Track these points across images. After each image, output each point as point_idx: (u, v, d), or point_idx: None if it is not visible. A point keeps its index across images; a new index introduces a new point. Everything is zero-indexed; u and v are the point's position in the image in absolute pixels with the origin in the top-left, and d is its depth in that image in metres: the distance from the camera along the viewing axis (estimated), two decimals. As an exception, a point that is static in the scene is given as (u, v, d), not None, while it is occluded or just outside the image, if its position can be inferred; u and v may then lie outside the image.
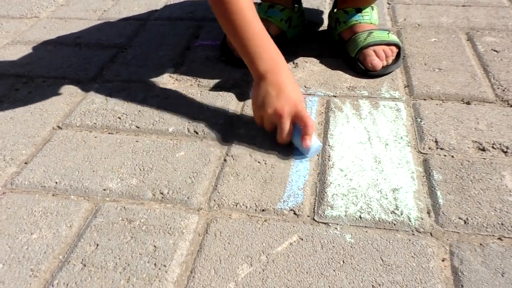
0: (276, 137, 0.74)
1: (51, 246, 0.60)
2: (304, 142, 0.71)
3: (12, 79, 1.00)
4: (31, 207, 0.66)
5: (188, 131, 0.80)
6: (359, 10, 0.98)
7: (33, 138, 0.81)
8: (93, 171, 0.72)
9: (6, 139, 0.81)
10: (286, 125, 0.72)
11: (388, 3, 1.27)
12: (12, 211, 0.65)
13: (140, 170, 0.72)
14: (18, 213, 0.65)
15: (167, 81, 0.96)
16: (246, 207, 0.65)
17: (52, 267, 0.57)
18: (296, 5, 1.07)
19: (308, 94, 0.89)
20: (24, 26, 1.26)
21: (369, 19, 0.98)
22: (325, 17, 1.19)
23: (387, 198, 0.65)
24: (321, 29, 1.15)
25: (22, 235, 0.62)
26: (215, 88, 0.92)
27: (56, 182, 0.70)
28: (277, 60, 0.76)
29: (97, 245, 0.60)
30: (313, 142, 0.72)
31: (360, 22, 0.98)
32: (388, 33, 0.96)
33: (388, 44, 0.94)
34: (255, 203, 0.65)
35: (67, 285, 0.54)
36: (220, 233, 0.61)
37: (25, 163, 0.75)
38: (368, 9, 0.99)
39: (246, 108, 0.85)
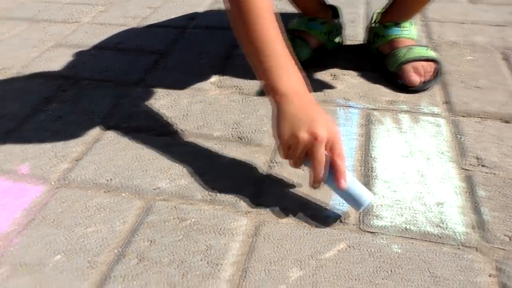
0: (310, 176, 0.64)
1: (106, 240, 0.62)
2: (338, 184, 0.61)
3: (59, 80, 1.03)
4: (85, 202, 0.69)
5: (233, 136, 0.82)
6: (398, 25, 1.00)
7: (82, 137, 0.83)
8: (143, 170, 0.74)
9: (56, 137, 0.84)
10: (320, 158, 0.61)
11: (421, 20, 1.29)
12: (67, 205, 0.68)
13: (189, 172, 0.74)
14: (73, 207, 0.68)
15: (209, 87, 0.98)
16: (293, 212, 0.66)
17: (109, 260, 0.59)
18: (335, 19, 1.09)
19: (348, 106, 0.90)
20: (66, 31, 1.31)
21: (408, 34, 1.00)
22: (360, 30, 1.21)
23: (432, 212, 0.66)
24: (357, 42, 1.17)
25: (78, 228, 0.64)
26: (257, 95, 0.94)
27: (108, 180, 0.73)
28: (300, 82, 0.66)
29: (151, 241, 0.62)
30: (366, 196, 0.62)
31: (399, 37, 0.99)
32: (427, 49, 0.98)
33: (427, 60, 0.96)
34: (301, 210, 0.67)
35: (124, 277, 0.56)
36: (269, 236, 0.62)
37: (76, 160, 0.78)
38: (407, 24, 1.01)
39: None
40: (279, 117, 0.64)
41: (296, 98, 0.64)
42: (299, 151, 0.62)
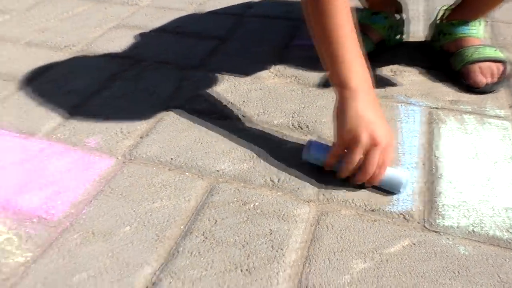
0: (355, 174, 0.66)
1: (172, 216, 0.63)
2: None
3: (120, 60, 1.06)
4: (151, 178, 0.70)
5: (292, 125, 0.82)
6: (467, 23, 0.97)
7: (145, 116, 0.86)
8: (205, 152, 0.76)
9: (121, 114, 0.86)
10: (376, 157, 0.64)
11: (487, 20, 1.24)
12: (133, 180, 0.70)
13: (250, 157, 0.75)
14: (139, 182, 0.70)
15: (267, 75, 0.99)
16: (355, 205, 0.66)
17: (175, 235, 0.61)
18: (398, 14, 1.07)
19: (410, 104, 0.89)
20: (126, 12, 1.34)
21: (476, 33, 0.97)
22: (419, 27, 1.18)
23: (500, 216, 0.64)
24: (417, 39, 1.14)
25: (145, 203, 0.66)
26: (316, 86, 0.94)
27: (171, 158, 0.75)
28: (369, 81, 0.68)
29: (216, 221, 0.63)
30: (401, 175, 0.66)
31: (467, 36, 0.96)
32: (495, 50, 0.94)
33: (495, 61, 0.93)
34: (364, 203, 0.66)
35: (191, 253, 0.58)
36: (332, 226, 0.62)
37: (140, 137, 0.80)
38: (476, 23, 0.97)
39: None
40: (343, 111, 0.66)
41: (363, 96, 0.66)
42: (358, 155, 0.64)
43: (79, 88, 0.93)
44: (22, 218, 0.63)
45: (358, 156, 0.64)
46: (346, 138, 0.65)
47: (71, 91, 0.93)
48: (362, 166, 0.65)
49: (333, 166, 0.69)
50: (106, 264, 0.56)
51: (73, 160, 0.74)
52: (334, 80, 0.68)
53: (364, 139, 0.63)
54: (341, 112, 0.66)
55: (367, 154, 0.64)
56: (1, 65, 1.03)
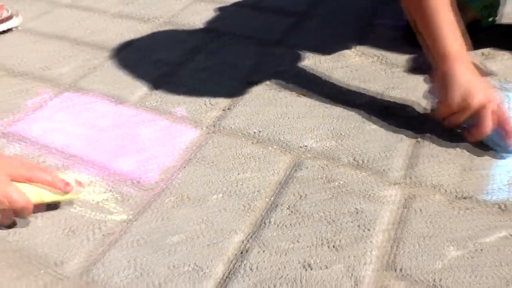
0: (470, 131, 0.70)
1: (259, 188, 0.65)
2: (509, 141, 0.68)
3: (202, 33, 1.08)
4: (237, 150, 0.72)
5: (378, 105, 0.80)
6: None
7: (229, 89, 0.87)
8: (290, 127, 0.76)
9: (205, 86, 0.88)
10: (490, 119, 0.68)
11: None
12: (220, 150, 0.72)
13: (334, 135, 0.74)
14: (226, 152, 0.71)
15: (350, 54, 0.97)
16: (446, 191, 0.64)
17: (262, 206, 0.62)
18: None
19: (506, 90, 0.83)
20: (206, -15, 1.35)
21: None
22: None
23: None
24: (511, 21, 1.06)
25: (233, 173, 0.67)
26: (402, 68, 0.91)
27: (256, 132, 0.76)
28: (466, 49, 0.72)
29: (301, 196, 0.63)
30: None
31: None
32: None
33: None
34: (455, 189, 0.64)
35: (279, 225, 0.59)
36: (421, 211, 0.61)
37: (225, 109, 0.81)
38: None
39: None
40: (449, 81, 0.69)
41: (466, 63, 0.71)
42: (467, 116, 0.69)
43: (165, 59, 0.97)
44: (119, 180, 0.67)
45: (464, 116, 0.69)
46: (457, 107, 0.69)
47: (157, 61, 0.96)
48: (480, 121, 0.67)
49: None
50: (200, 228, 0.59)
51: (161, 128, 0.77)
52: (435, 54, 0.72)
53: (476, 102, 0.67)
54: (447, 82, 0.69)
55: (482, 110, 0.67)
56: (90, 35, 1.08)
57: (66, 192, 0.59)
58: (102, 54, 1.00)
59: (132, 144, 0.73)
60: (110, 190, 0.65)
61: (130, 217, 0.61)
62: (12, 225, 0.59)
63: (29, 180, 0.57)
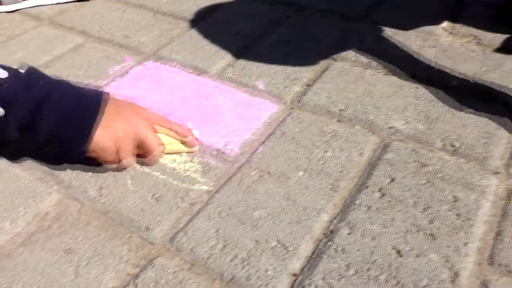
0: None
1: (345, 168, 0.62)
2: None
3: (283, 5, 1.04)
4: (321, 127, 0.69)
5: (473, 89, 0.74)
6: None
7: (311, 64, 0.84)
8: (376, 107, 0.72)
9: (287, 60, 0.85)
10: None
11: None
12: (303, 126, 0.69)
13: (425, 118, 0.69)
14: (309, 129, 0.69)
15: (441, 33, 0.90)
16: (556, 185, 0.57)
17: (349, 187, 0.59)
18: None
19: None
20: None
21: None
22: None
23: None
24: None
25: (317, 150, 0.65)
26: (501, 49, 0.83)
27: (340, 110, 0.72)
28: None
29: (392, 179, 0.59)
30: None
31: None
32: None
33: None
34: None
35: (369, 207, 0.56)
36: (527, 204, 0.55)
37: (307, 85, 0.78)
38: None
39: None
40: None
41: None
42: None
43: (245, 31, 0.94)
44: (203, 150, 0.66)
45: None
46: None
47: (238, 33, 0.94)
48: None
49: None
50: (283, 205, 0.57)
51: (241, 101, 0.75)
52: None
53: None
54: None
55: None
56: (170, 5, 1.08)
57: (193, 145, 0.61)
58: (181, 24, 0.99)
59: (212, 116, 0.72)
60: (191, 161, 0.65)
61: (212, 188, 0.60)
62: (119, 168, 0.60)
63: (166, 131, 0.59)
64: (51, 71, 0.83)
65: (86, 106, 0.51)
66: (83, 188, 0.60)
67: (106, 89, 0.77)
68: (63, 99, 0.49)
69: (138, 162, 0.60)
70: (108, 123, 0.54)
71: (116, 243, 0.54)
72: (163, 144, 0.56)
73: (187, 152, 0.61)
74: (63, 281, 0.50)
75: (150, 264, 0.51)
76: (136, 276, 0.50)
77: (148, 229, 0.55)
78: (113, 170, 0.59)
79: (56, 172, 0.63)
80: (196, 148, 0.62)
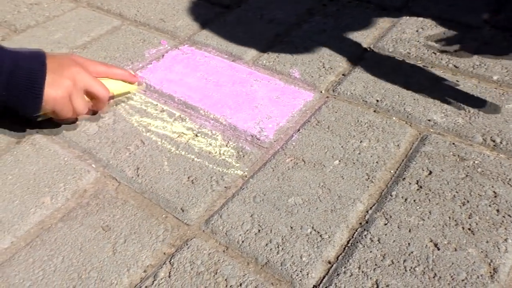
0: None
1: (382, 159, 0.61)
2: None
3: (317, -6, 1.03)
4: (356, 116, 0.68)
5: (516, 84, 0.72)
6: None
7: (346, 53, 0.82)
8: (414, 99, 0.71)
9: (322, 49, 0.84)
10: None
11: None
12: (339, 115, 0.69)
13: (465, 111, 0.68)
14: (344, 118, 0.68)
15: (482, 26, 0.87)
16: None
17: (386, 178, 0.58)
18: None
19: None
20: None
21: None
22: None
23: None
24: None
25: (353, 140, 0.64)
26: (546, 44, 0.80)
27: (377, 100, 0.71)
28: None
29: (430, 172, 0.59)
30: None
31: None
32: None
33: None
34: None
35: (406, 199, 0.55)
36: None
37: (343, 74, 0.77)
38: None
39: None
40: None
41: None
42: None
43: (280, 19, 0.94)
44: (238, 135, 0.66)
45: None
46: None
47: (272, 20, 0.93)
48: None
49: None
50: (319, 193, 0.57)
51: (276, 88, 0.75)
52: None
53: None
54: None
55: None
56: (204, -9, 1.08)
57: (134, 83, 0.70)
58: (216, 9, 0.99)
59: (247, 102, 0.72)
60: (226, 145, 0.65)
61: (246, 173, 0.61)
62: (75, 120, 0.67)
63: (106, 75, 0.66)
64: (89, 52, 0.85)
65: (29, 67, 0.56)
66: (121, 168, 0.62)
67: (143, 72, 0.78)
68: (4, 63, 0.53)
69: (89, 112, 0.67)
70: (53, 80, 0.57)
71: (153, 223, 0.55)
72: (108, 90, 0.64)
73: (135, 91, 0.70)
74: (101, 257, 0.51)
75: (186, 245, 0.52)
76: (172, 255, 0.51)
77: (184, 211, 0.56)
78: (69, 123, 0.63)
79: (94, 151, 0.64)
80: (143, 85, 0.71)
